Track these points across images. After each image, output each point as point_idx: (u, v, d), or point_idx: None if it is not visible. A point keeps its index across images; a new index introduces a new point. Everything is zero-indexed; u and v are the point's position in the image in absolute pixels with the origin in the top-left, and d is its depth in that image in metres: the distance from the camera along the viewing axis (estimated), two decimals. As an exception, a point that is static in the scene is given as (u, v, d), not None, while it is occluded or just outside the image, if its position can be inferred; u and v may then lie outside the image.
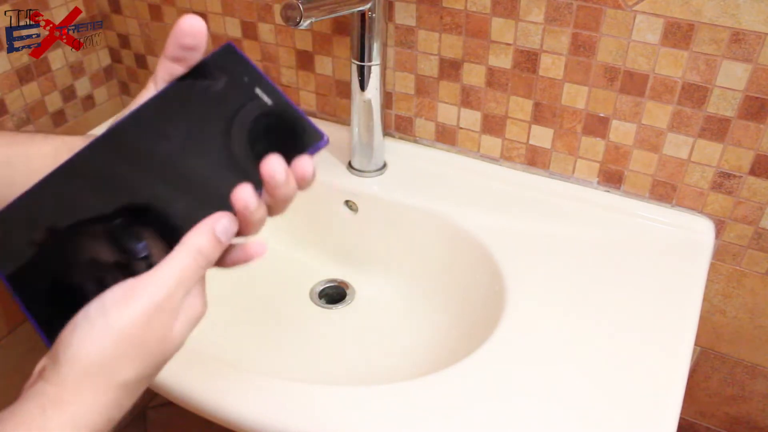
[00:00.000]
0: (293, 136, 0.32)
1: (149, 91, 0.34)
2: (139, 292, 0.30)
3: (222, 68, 0.33)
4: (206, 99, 0.33)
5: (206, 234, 0.31)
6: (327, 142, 0.32)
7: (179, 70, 0.34)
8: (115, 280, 0.30)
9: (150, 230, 0.32)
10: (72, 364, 0.29)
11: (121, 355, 0.29)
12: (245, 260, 0.35)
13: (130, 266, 0.31)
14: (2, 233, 0.32)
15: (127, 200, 0.32)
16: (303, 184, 0.33)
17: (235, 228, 0.32)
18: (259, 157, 0.31)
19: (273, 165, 0.31)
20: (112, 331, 0.29)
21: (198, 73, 0.33)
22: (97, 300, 0.30)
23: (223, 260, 0.35)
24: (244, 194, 0.31)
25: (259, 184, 0.31)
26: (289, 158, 0.31)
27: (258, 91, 0.32)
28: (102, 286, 0.30)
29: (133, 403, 0.31)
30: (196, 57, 0.33)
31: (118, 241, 0.31)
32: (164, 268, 0.30)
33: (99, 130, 0.34)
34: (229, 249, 0.34)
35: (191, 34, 0.33)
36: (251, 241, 0.34)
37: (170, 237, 0.31)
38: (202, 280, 0.32)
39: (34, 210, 0.32)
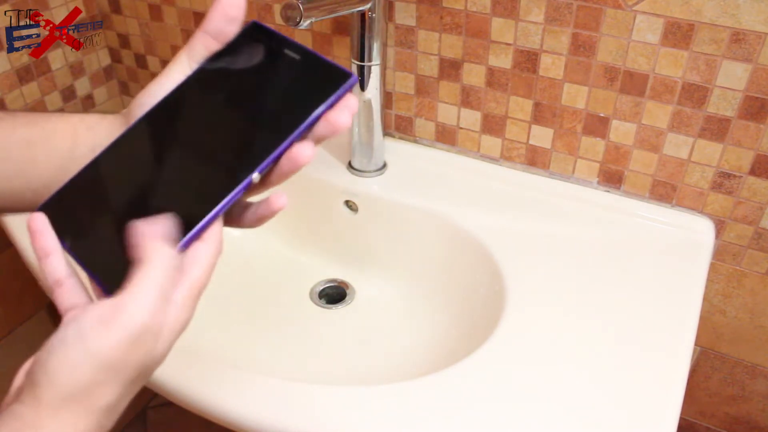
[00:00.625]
0: (326, 80, 0.34)
1: (182, 65, 0.35)
2: (120, 316, 0.28)
3: (252, 40, 0.36)
4: (243, 68, 0.36)
5: (163, 242, 0.30)
6: (356, 79, 0.35)
7: (215, 45, 0.35)
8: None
9: (197, 195, 0.33)
10: (49, 388, 0.28)
11: (102, 381, 0.28)
12: (270, 214, 0.34)
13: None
14: (59, 209, 0.33)
15: (177, 171, 0.34)
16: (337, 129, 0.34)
17: (173, 228, 0.31)
18: (299, 105, 0.34)
19: (338, 120, 0.33)
20: (92, 358, 0.28)
21: (231, 47, 0.36)
22: (74, 323, 0.29)
23: (247, 219, 0.35)
24: (305, 151, 0.32)
25: (301, 129, 0.33)
26: (324, 98, 0.34)
27: (286, 51, 0.35)
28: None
29: (114, 422, 0.30)
30: (233, 30, 0.35)
31: (172, 203, 0.33)
32: (142, 287, 0.29)
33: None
34: (251, 206, 0.35)
35: (236, 5, 0.35)
36: (273, 195, 0.34)
37: (219, 199, 0.32)
38: (191, 289, 0.31)
39: (87, 185, 0.34)
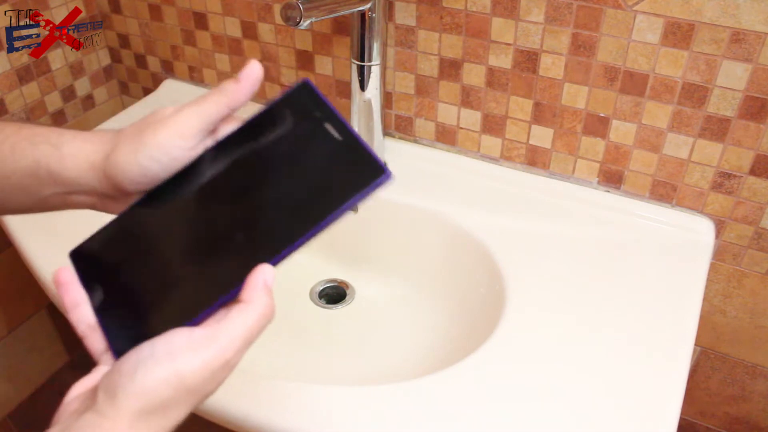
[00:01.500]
0: (358, 171, 0.33)
1: (184, 137, 0.34)
2: (209, 344, 0.29)
3: (297, 103, 0.35)
4: (281, 133, 0.35)
5: (268, 292, 0.31)
6: (389, 177, 0.32)
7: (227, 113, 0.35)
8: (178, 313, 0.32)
9: (217, 260, 0.33)
10: (133, 400, 0.28)
11: (180, 401, 0.29)
12: None
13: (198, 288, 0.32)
14: (87, 258, 0.35)
15: (201, 229, 0.34)
16: None
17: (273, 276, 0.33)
18: (325, 189, 0.32)
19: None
20: (179, 376, 0.29)
21: (276, 107, 0.35)
22: (164, 341, 0.30)
23: None
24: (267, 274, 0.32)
25: (324, 216, 0.32)
26: (352, 192, 0.32)
27: (327, 125, 0.34)
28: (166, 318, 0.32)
29: None
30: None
31: (191, 267, 0.33)
32: (235, 327, 0.30)
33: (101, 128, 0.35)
34: None
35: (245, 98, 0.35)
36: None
37: (235, 269, 0.32)
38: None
39: (112, 240, 0.35)
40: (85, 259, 0.35)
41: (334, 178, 0.33)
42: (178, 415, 0.30)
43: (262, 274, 0.31)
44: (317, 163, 0.33)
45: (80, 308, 0.33)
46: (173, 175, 0.35)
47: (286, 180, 0.33)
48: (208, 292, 0.32)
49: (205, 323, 0.31)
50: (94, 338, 0.32)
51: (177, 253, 0.34)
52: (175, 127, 0.33)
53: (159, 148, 0.33)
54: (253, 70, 0.34)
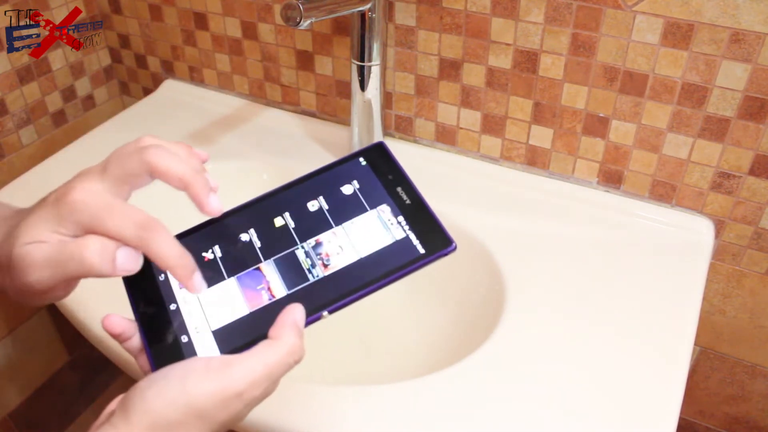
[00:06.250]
0: (424, 238, 0.33)
1: None
2: (223, 371, 0.30)
3: (371, 163, 0.36)
4: (352, 190, 0.36)
5: (296, 331, 0.32)
6: (454, 249, 0.33)
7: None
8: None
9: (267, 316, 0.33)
10: (141, 416, 0.29)
11: (188, 423, 0.30)
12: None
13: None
14: (139, 276, 0.34)
15: (247, 262, 0.34)
16: None
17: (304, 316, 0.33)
18: (390, 256, 0.33)
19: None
20: (186, 398, 0.29)
21: (350, 163, 0.36)
22: (183, 364, 0.30)
23: None
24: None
25: (384, 277, 0.32)
26: (417, 260, 0.33)
27: (399, 189, 0.35)
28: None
29: None
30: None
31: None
32: (256, 359, 0.31)
33: (100, 131, 0.35)
34: None
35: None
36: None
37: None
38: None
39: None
40: (136, 278, 0.35)
41: (398, 243, 0.33)
42: None
43: (292, 313, 0.32)
44: (383, 225, 0.34)
45: (133, 338, 0.34)
46: (236, 207, 0.35)
47: (351, 236, 0.34)
48: (253, 329, 0.32)
49: (231, 354, 0.31)
50: (141, 359, 0.34)
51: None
52: (31, 278, 0.32)
53: (33, 297, 0.33)
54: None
